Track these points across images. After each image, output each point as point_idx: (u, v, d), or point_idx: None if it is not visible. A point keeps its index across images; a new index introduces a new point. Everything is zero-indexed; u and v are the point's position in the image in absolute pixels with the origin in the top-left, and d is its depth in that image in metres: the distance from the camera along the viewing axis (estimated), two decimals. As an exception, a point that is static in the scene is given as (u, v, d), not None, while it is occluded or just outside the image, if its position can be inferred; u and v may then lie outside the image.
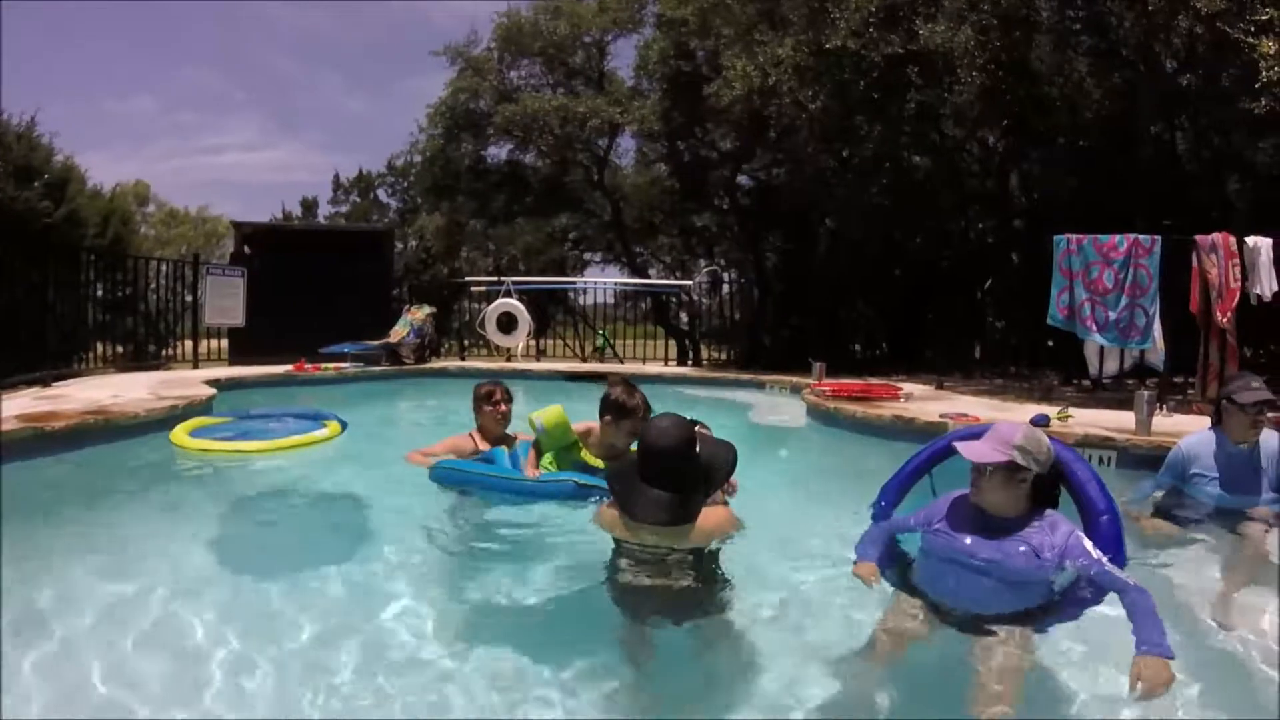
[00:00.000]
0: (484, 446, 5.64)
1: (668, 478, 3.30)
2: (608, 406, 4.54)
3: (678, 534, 3.35)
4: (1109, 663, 3.25)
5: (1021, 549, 3.17)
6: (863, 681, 3.16)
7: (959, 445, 3.37)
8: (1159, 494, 5.30)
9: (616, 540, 3.52)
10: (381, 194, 40.10)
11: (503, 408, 5.79)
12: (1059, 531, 3.20)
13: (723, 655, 3.39)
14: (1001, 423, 3.47)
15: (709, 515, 3.43)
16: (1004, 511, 3.24)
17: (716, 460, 3.47)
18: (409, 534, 4.87)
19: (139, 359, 14.79)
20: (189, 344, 15.41)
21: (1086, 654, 3.30)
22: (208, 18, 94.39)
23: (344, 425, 7.73)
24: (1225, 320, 9.12)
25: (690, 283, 18.13)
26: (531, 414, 4.53)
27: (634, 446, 3.74)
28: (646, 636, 3.39)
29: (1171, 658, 2.76)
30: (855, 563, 3.49)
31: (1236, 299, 9.14)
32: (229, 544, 5.00)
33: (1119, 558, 3.39)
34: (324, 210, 42.84)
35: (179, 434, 7.41)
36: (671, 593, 3.38)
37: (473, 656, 3.46)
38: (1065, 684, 3.17)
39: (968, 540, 3.24)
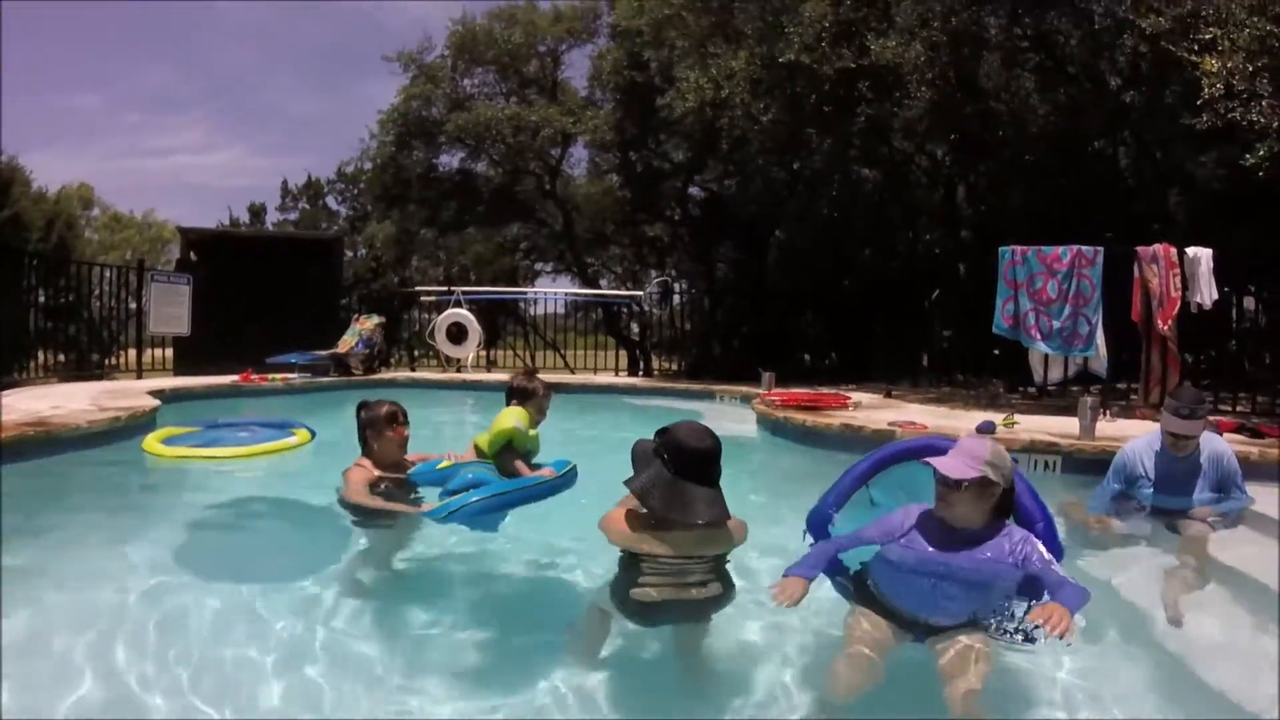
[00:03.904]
0: (375, 473, 4.86)
1: (712, 476, 3.27)
2: (514, 392, 4.96)
3: (723, 536, 3.31)
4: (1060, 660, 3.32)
5: (990, 555, 3.27)
6: (847, 692, 3.13)
7: (934, 461, 3.36)
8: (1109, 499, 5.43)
9: (633, 557, 3.32)
10: (331, 201, 39.71)
11: (406, 431, 5.04)
12: (1016, 538, 3.32)
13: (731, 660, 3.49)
14: (966, 439, 3.53)
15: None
16: (971, 524, 3.32)
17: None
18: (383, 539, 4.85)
19: (81, 368, 14.50)
20: (133, 353, 15.12)
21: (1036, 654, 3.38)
22: (156, 12, 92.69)
23: (313, 433, 7.67)
24: (1166, 328, 9.33)
25: (641, 293, 18.13)
26: (505, 426, 4.54)
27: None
28: (698, 648, 3.46)
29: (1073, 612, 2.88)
30: (784, 577, 3.31)
31: (1177, 307, 9.34)
32: (206, 550, 5.10)
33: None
34: (272, 216, 42.35)
35: (152, 442, 7.36)
36: (694, 603, 3.30)
37: (448, 666, 3.47)
38: (1021, 683, 3.26)
39: (941, 551, 3.30)
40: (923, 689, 3.05)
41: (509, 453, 4.47)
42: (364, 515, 4.72)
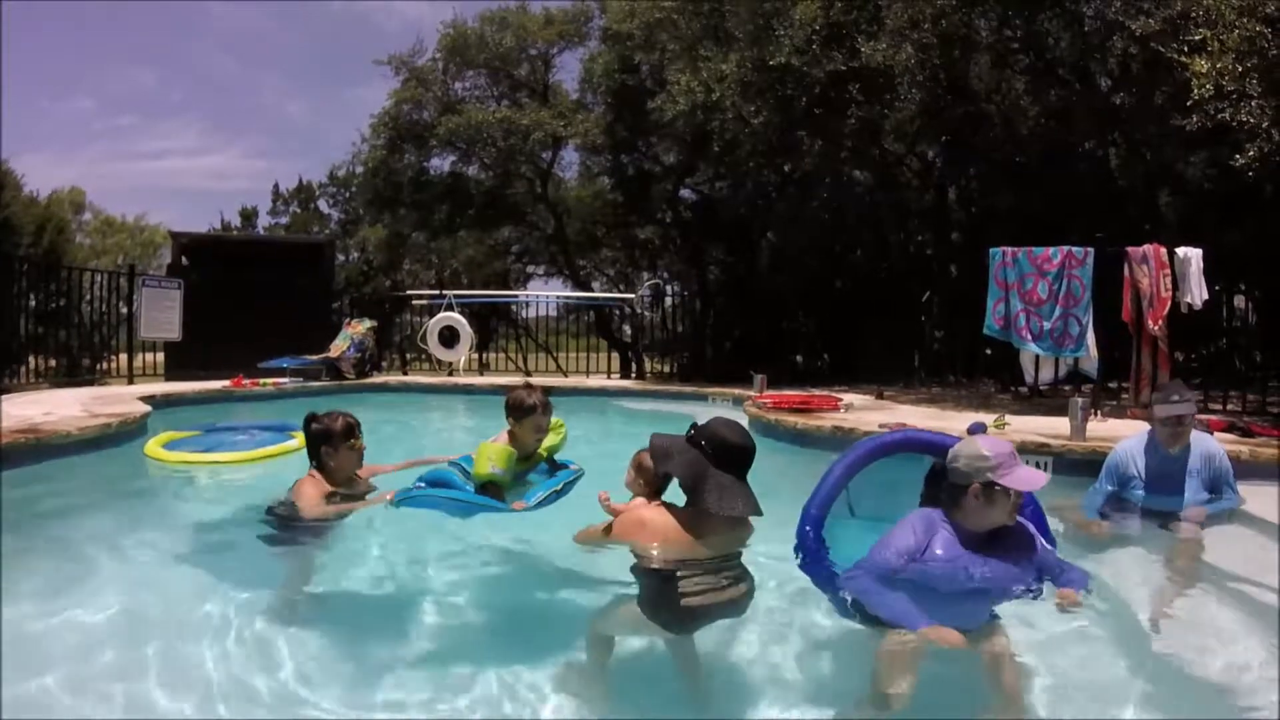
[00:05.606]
0: (330, 488, 4.67)
1: (746, 473, 3.25)
2: (511, 409, 4.65)
3: (747, 531, 3.31)
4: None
5: (1027, 557, 3.32)
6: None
7: (1015, 483, 3.25)
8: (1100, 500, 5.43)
9: (678, 564, 3.18)
10: (323, 205, 39.71)
11: (362, 443, 4.84)
12: (1025, 529, 3.42)
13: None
14: (987, 438, 3.50)
15: None
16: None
17: None
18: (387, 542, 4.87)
19: (73, 374, 14.44)
20: (124, 358, 15.05)
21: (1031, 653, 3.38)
22: (149, 15, 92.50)
23: None
24: (1157, 328, 9.35)
25: (633, 296, 18.12)
26: (483, 470, 4.43)
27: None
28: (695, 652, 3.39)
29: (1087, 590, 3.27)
30: (911, 631, 3.03)
31: (1168, 307, 9.36)
32: (204, 552, 5.04)
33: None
34: (264, 220, 42.33)
35: (153, 447, 7.45)
36: (731, 601, 3.24)
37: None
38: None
39: (984, 567, 3.22)
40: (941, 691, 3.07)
41: (491, 488, 4.41)
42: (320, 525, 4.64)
